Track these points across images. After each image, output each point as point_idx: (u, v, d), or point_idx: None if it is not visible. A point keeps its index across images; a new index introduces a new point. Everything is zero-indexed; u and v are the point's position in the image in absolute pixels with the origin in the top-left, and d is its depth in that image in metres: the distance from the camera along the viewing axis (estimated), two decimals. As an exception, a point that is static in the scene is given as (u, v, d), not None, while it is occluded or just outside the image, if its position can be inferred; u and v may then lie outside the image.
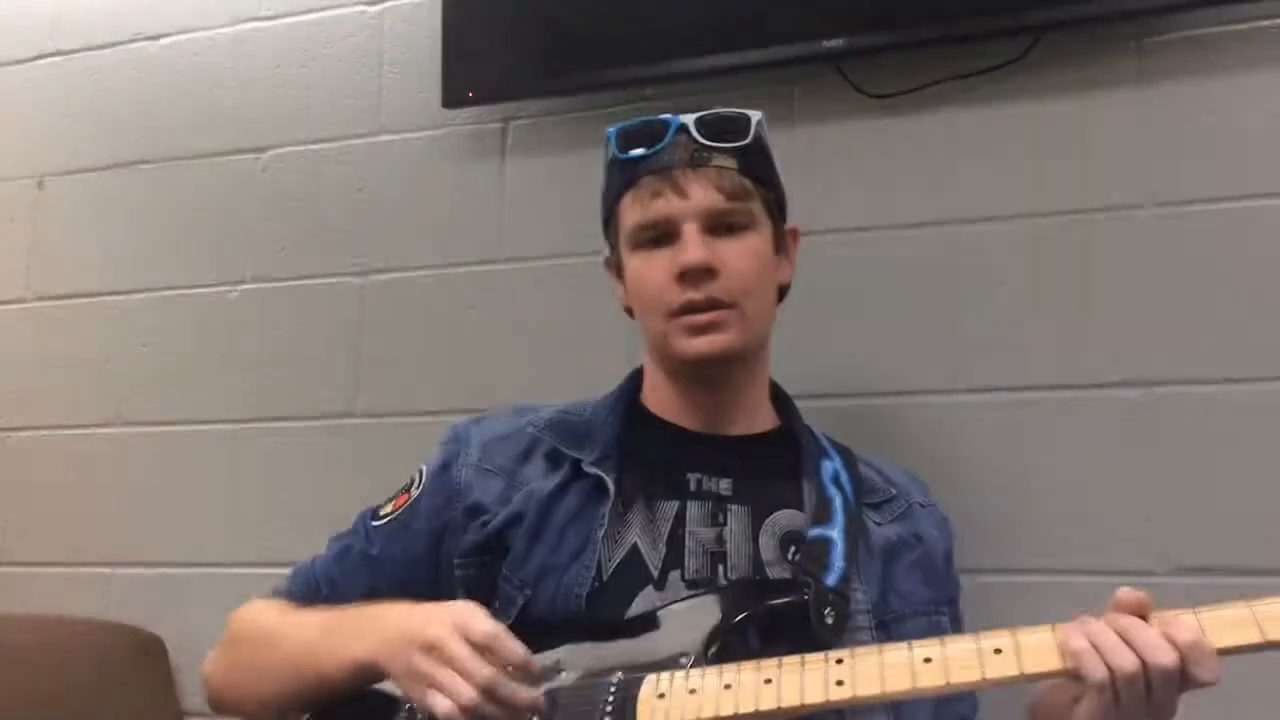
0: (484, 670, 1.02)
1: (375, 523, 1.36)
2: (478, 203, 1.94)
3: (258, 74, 2.11)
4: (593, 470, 1.28)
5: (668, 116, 1.30)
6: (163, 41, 2.19)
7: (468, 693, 1.01)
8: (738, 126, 1.30)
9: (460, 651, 1.03)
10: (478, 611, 1.07)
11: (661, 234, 1.28)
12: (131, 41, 2.21)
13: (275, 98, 2.09)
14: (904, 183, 1.71)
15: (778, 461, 1.34)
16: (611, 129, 1.33)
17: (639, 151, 1.29)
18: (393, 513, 1.35)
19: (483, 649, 1.03)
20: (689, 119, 1.29)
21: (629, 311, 1.39)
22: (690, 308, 1.26)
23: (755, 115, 1.32)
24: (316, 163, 2.05)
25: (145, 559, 2.03)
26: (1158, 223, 1.60)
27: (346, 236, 2.01)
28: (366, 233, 2.00)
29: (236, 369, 2.03)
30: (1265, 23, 1.57)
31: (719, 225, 1.28)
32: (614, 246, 1.37)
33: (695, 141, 1.28)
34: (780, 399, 1.42)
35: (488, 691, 1.01)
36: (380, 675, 1.11)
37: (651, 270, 1.28)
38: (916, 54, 1.70)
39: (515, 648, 1.04)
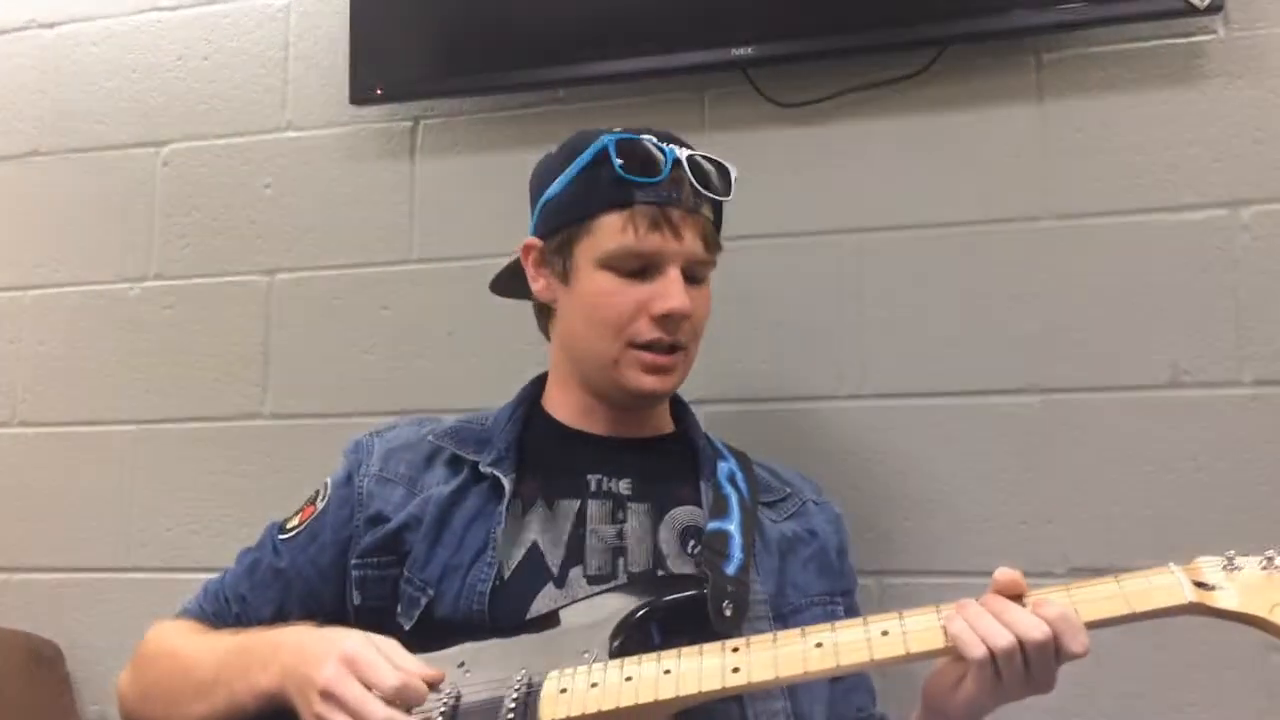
0: (381, 713, 1.03)
1: (282, 536, 1.36)
2: (388, 202, 1.92)
3: (158, 66, 2.07)
4: (489, 471, 1.30)
5: (661, 144, 1.29)
6: (59, 29, 2.13)
7: None
8: (724, 180, 1.33)
9: (356, 695, 1.04)
10: (373, 656, 1.07)
11: (644, 266, 1.28)
12: (26, 29, 2.14)
13: (177, 91, 2.05)
14: (810, 190, 1.74)
15: (675, 462, 1.37)
16: (609, 137, 1.29)
17: (640, 174, 1.27)
18: (299, 525, 1.36)
19: (391, 699, 1.04)
20: (683, 155, 1.29)
21: (542, 309, 1.40)
22: (656, 345, 1.28)
23: (733, 170, 1.34)
24: (220, 158, 2.01)
25: (42, 563, 1.98)
26: (1055, 234, 1.65)
27: (252, 234, 1.98)
28: (273, 231, 1.97)
29: (138, 369, 1.99)
30: (1156, 43, 1.64)
31: (691, 273, 1.30)
32: (564, 245, 1.32)
33: (691, 185, 1.28)
34: (677, 405, 1.45)
35: None
36: (289, 705, 1.11)
37: (624, 298, 1.28)
38: (824, 64, 1.73)
39: (422, 689, 1.05)
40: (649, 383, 1.29)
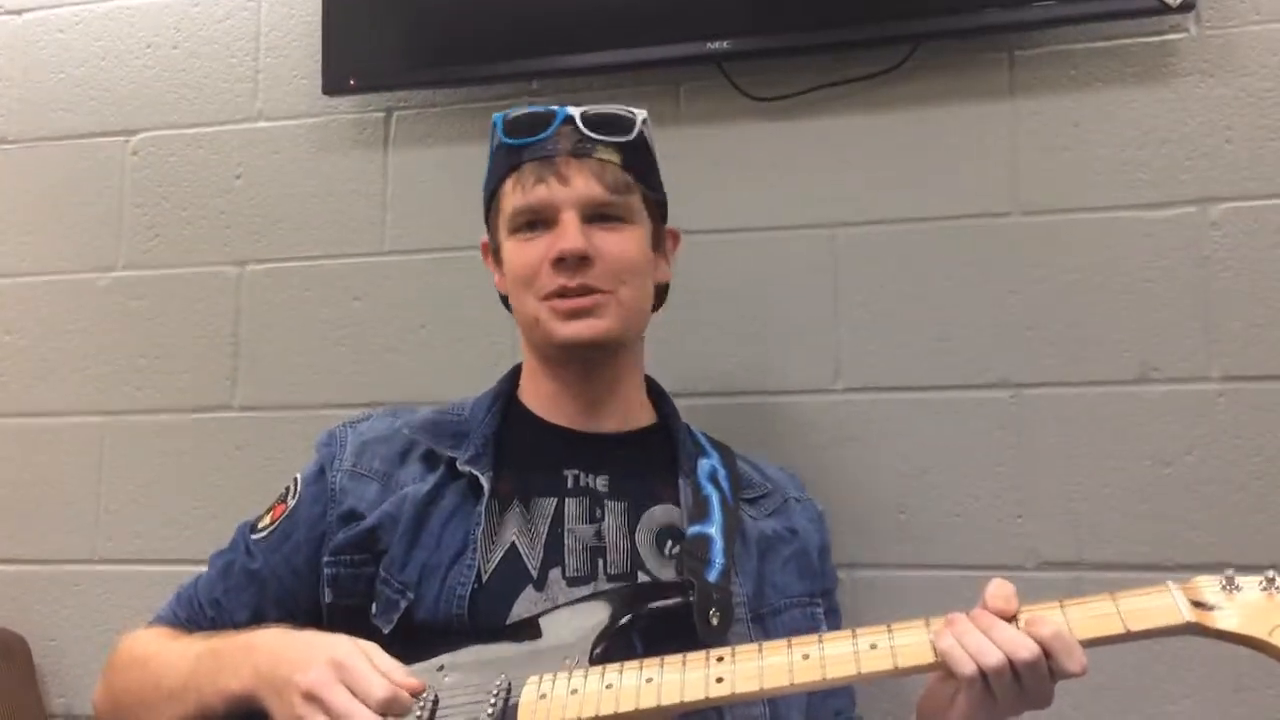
0: (351, 708, 1.02)
1: (255, 536, 1.34)
2: (361, 193, 1.91)
3: (128, 54, 2.04)
4: (467, 469, 1.28)
5: (555, 108, 1.31)
6: (26, 16, 2.10)
7: None
8: (622, 122, 1.32)
9: (342, 702, 1.03)
10: (363, 664, 1.06)
11: (540, 219, 1.29)
12: (-7, 15, 2.12)
13: (146, 79, 2.03)
14: (785, 185, 1.74)
15: (654, 458, 1.35)
16: (498, 115, 1.34)
17: (524, 138, 1.30)
18: (271, 524, 1.33)
19: (381, 713, 1.03)
20: (575, 111, 1.31)
21: (504, 301, 1.40)
22: (563, 292, 1.27)
23: (640, 114, 1.34)
24: (190, 148, 1.99)
25: (8, 555, 1.95)
26: (1025, 230, 1.66)
27: (222, 225, 1.96)
28: (244, 221, 1.95)
29: (106, 359, 1.97)
30: (1128, 41, 1.64)
31: (598, 216, 1.29)
32: (493, 232, 1.38)
33: (580, 132, 1.29)
34: (658, 396, 1.43)
35: None
36: (259, 706, 1.10)
37: (527, 254, 1.29)
38: (799, 59, 1.73)
39: (408, 701, 1.05)
40: (572, 329, 1.27)
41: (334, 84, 1.88)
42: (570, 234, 1.26)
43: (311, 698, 1.04)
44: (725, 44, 1.69)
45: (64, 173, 2.04)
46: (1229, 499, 1.56)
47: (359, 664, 1.06)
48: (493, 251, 1.39)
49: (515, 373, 1.43)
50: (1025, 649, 1.00)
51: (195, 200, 1.98)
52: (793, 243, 1.73)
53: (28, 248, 2.04)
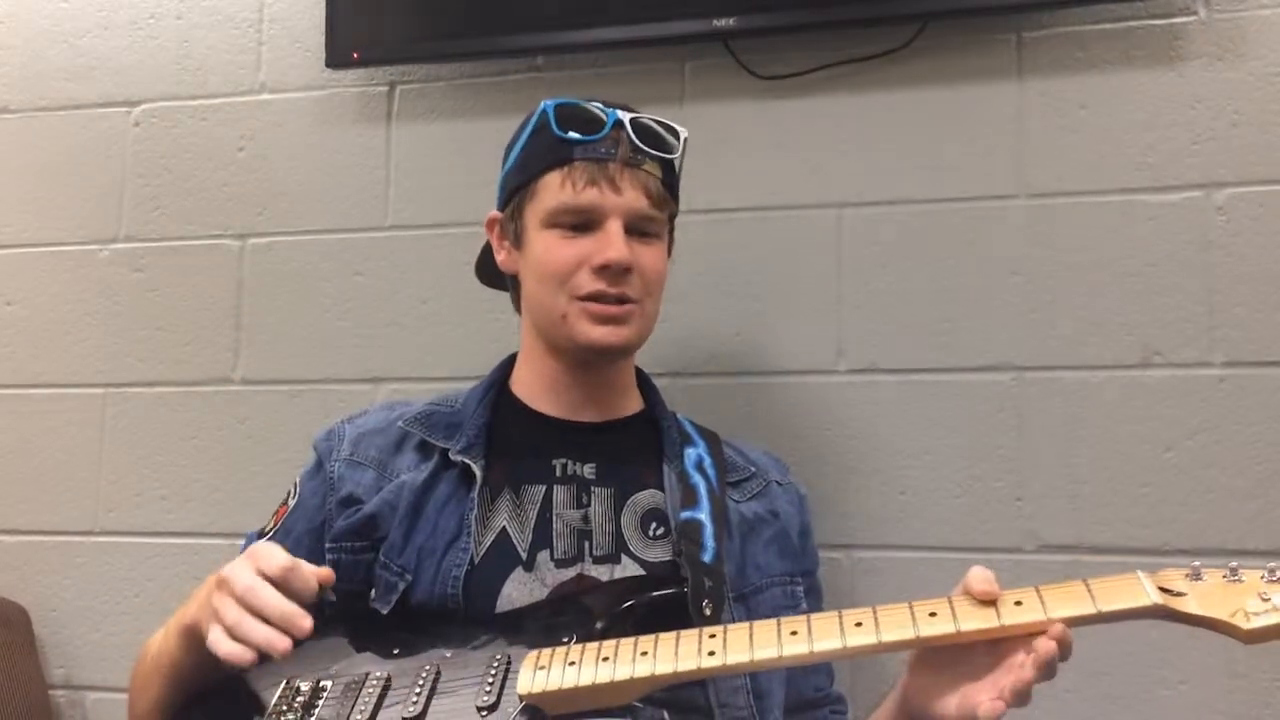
0: (245, 579, 1.08)
1: (260, 540, 1.35)
2: (363, 167, 1.91)
3: (131, 24, 2.03)
4: (460, 459, 1.32)
5: (603, 107, 1.32)
6: (29, -15, 2.10)
7: (232, 612, 1.07)
8: (668, 139, 1.34)
9: (245, 579, 1.09)
10: (273, 548, 1.13)
11: (584, 221, 1.30)
12: (-6, -17, 2.11)
13: (149, 50, 2.02)
14: (790, 165, 1.74)
15: (639, 445, 1.39)
16: (548, 102, 1.33)
17: (577, 134, 1.30)
18: (274, 525, 1.37)
19: (280, 581, 1.09)
20: (625, 116, 1.31)
21: (509, 280, 1.42)
22: (600, 297, 1.29)
23: (683, 132, 1.36)
24: (193, 120, 1.99)
25: (8, 526, 1.96)
26: (1030, 213, 1.65)
27: (225, 197, 1.96)
28: (246, 194, 1.95)
29: (107, 331, 1.97)
30: (1137, 24, 1.64)
31: (637, 228, 1.31)
32: (516, 212, 1.37)
33: (631, 141, 1.31)
34: (645, 385, 1.46)
35: (243, 601, 1.08)
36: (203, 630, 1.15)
37: (565, 252, 1.30)
38: (805, 37, 1.73)
39: (308, 575, 1.11)
40: (598, 334, 1.30)
41: (337, 57, 1.87)
42: (619, 245, 1.28)
43: (221, 585, 1.11)
44: (731, 21, 1.69)
45: (66, 143, 2.04)
46: (1230, 484, 1.56)
47: (268, 550, 1.12)
48: (512, 233, 1.38)
49: (508, 363, 1.45)
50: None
51: (197, 172, 1.97)
52: (797, 223, 1.73)
53: (29, 218, 2.03)
